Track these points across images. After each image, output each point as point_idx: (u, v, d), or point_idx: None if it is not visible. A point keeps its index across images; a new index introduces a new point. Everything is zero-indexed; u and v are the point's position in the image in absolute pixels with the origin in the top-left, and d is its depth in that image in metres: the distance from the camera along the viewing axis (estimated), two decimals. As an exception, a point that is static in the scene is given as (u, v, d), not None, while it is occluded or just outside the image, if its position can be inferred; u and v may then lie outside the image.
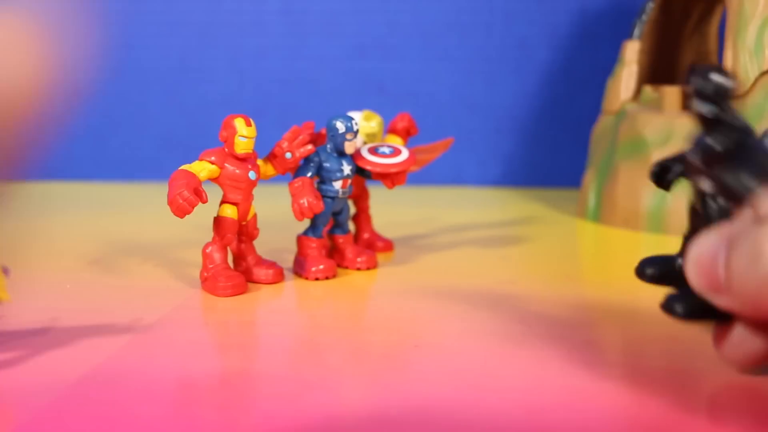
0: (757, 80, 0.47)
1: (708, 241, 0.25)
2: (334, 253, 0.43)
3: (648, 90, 0.58)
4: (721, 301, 0.25)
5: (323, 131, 0.42)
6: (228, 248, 0.39)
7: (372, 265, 0.43)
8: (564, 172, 0.77)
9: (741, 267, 0.23)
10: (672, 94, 0.55)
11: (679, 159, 0.29)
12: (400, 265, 0.44)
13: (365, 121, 0.45)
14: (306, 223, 0.41)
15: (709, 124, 0.23)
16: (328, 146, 0.41)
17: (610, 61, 0.65)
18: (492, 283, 0.39)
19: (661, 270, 0.28)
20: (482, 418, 0.23)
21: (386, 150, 0.42)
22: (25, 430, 0.23)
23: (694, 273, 0.25)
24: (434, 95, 0.79)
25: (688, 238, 0.28)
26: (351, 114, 0.43)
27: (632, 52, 0.59)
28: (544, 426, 0.23)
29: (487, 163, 0.79)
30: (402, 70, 0.79)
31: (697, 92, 0.23)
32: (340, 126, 0.40)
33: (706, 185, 0.25)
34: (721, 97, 0.23)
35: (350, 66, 0.79)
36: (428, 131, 0.60)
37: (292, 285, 0.40)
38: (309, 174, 0.40)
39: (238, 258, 0.40)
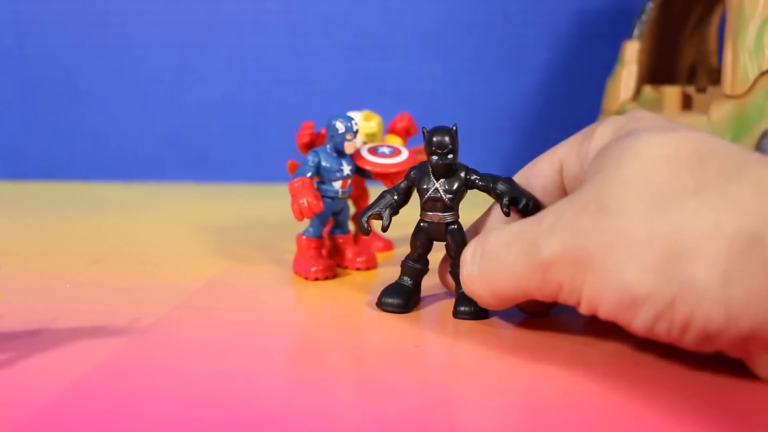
0: (757, 80, 0.47)
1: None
2: (334, 253, 0.43)
3: (648, 90, 0.58)
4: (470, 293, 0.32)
5: (323, 131, 0.42)
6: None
7: (372, 265, 0.43)
8: (564, 172, 0.77)
9: (463, 269, 0.31)
10: (672, 94, 0.55)
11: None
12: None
13: (365, 121, 0.45)
14: (306, 223, 0.41)
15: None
16: (328, 146, 0.41)
17: (610, 61, 0.65)
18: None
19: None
20: (483, 419, 0.23)
21: (386, 150, 0.42)
22: (25, 430, 0.23)
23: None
24: (434, 95, 0.79)
25: None
26: (351, 114, 0.43)
27: (632, 52, 0.59)
28: (544, 426, 0.23)
29: (486, 163, 0.79)
30: (402, 70, 0.78)
31: None
32: (340, 126, 0.40)
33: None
34: None
35: (350, 66, 0.79)
36: (428, 131, 0.59)
37: (292, 285, 0.40)
38: (309, 174, 0.40)
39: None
